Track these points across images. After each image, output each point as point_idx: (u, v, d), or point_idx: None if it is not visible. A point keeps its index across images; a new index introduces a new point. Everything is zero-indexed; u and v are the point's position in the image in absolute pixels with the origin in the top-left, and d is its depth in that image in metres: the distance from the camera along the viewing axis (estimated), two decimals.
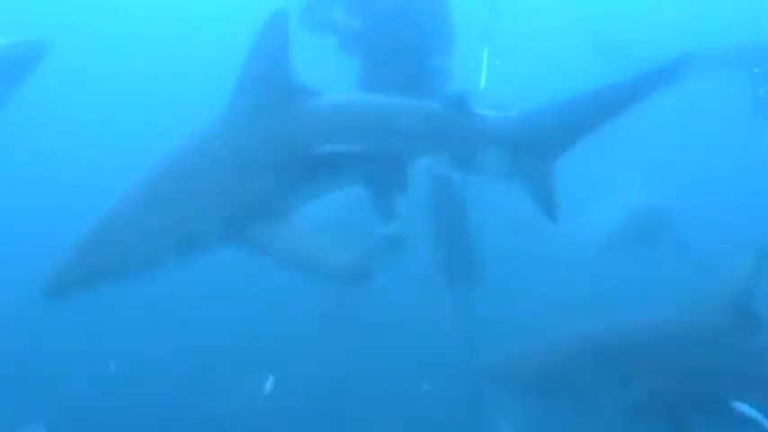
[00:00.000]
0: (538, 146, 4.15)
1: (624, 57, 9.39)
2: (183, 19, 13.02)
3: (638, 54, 9.13)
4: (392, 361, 6.58)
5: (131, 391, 6.22)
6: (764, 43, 9.04)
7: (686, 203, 8.17)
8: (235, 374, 6.26)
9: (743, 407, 3.83)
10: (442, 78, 5.65)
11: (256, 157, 3.81)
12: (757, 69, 8.70)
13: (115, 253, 3.56)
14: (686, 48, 4.05)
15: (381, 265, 6.15)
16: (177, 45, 12.71)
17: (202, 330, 6.90)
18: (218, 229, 3.68)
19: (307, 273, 3.77)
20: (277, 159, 3.85)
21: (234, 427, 5.98)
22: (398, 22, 5.39)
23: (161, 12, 13.05)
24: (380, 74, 5.46)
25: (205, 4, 13.07)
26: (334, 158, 3.86)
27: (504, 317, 6.39)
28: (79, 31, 10.39)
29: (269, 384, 5.54)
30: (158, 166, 3.80)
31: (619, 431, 4.36)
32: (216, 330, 6.90)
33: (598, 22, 10.64)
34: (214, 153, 3.79)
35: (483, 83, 5.28)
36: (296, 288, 5.94)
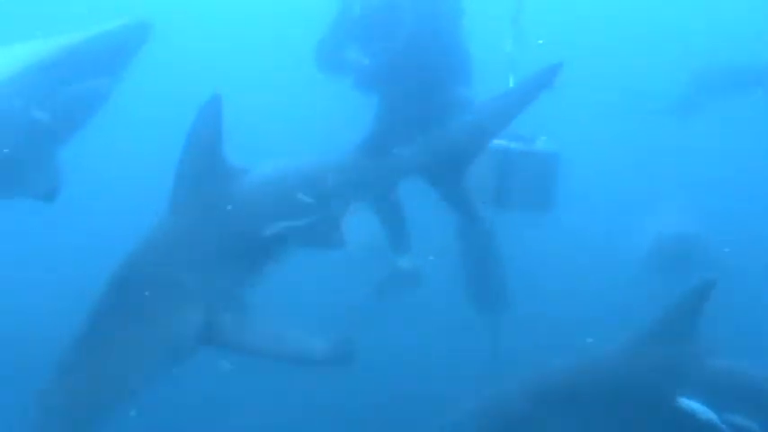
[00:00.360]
0: (444, 165, 4.75)
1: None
2: None
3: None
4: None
5: None
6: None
7: (723, 230, 8.09)
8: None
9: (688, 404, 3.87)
10: (464, 108, 5.68)
11: (208, 250, 3.82)
12: None
13: (99, 388, 3.47)
14: None
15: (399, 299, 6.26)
16: None
17: None
18: (194, 331, 3.65)
19: (288, 363, 3.85)
20: (226, 246, 3.87)
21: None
22: (412, 57, 5.44)
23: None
24: (398, 109, 5.54)
25: None
26: (277, 235, 3.95)
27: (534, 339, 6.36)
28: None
29: None
30: (118, 278, 3.71)
31: None
32: None
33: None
34: (169, 255, 3.77)
35: None
36: None
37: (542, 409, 4.18)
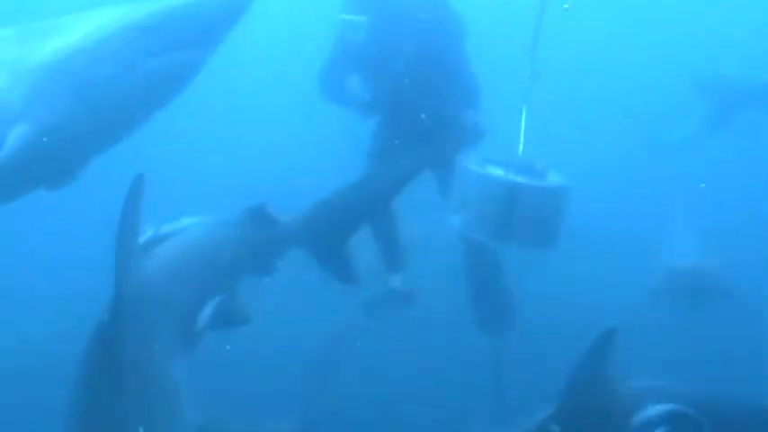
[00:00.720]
0: (325, 235, 4.68)
1: None
2: None
3: None
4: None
5: None
6: None
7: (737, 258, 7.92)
8: None
9: None
10: (472, 133, 5.63)
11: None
12: None
13: None
14: None
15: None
16: None
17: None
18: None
19: None
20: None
21: None
22: (413, 84, 5.43)
23: None
24: (399, 132, 5.57)
25: None
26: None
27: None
28: None
29: None
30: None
31: None
32: None
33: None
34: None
35: (521, 147, 5.17)
36: None
37: None
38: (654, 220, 8.50)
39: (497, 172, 5.06)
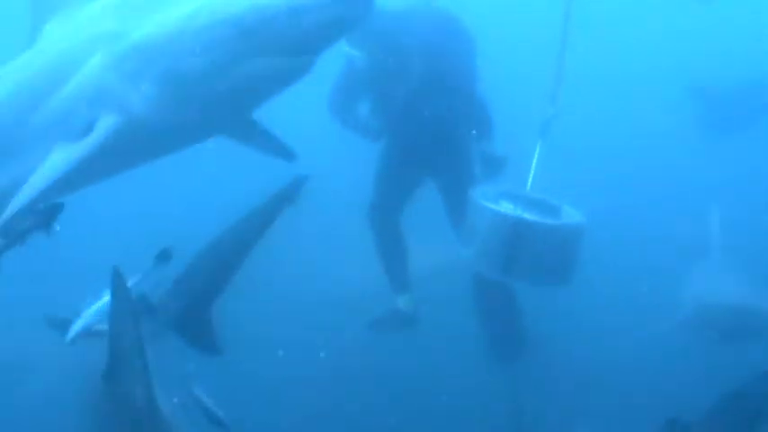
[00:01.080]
0: (192, 309, 4.35)
1: None
2: None
3: None
4: None
5: None
6: None
7: None
8: None
9: None
10: (490, 164, 5.55)
11: None
12: None
13: None
14: None
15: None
16: None
17: None
18: None
19: None
20: None
21: None
22: (420, 113, 5.38)
23: None
24: (409, 159, 5.54)
25: None
26: None
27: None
28: None
29: None
30: None
31: None
32: None
33: None
34: None
35: (530, 183, 5.08)
36: None
37: None
38: (684, 247, 8.14)
39: (507, 207, 4.97)
